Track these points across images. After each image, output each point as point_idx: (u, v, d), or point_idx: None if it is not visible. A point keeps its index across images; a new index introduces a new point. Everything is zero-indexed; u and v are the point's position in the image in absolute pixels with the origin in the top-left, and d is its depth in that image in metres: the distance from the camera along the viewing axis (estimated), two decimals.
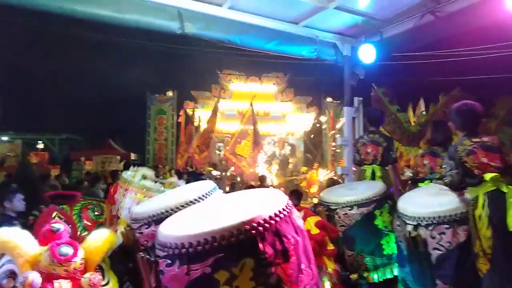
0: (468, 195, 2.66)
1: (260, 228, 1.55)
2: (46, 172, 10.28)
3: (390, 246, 3.40)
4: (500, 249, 2.39)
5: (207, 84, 18.25)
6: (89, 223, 2.74)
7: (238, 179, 11.78)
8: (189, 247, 1.52)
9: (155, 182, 2.89)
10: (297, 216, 1.77)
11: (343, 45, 5.02)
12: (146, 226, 2.49)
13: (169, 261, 1.57)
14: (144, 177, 2.83)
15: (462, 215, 2.58)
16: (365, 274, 3.33)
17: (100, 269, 2.35)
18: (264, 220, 1.57)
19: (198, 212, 1.90)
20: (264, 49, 4.57)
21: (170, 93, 17.94)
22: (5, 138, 18.32)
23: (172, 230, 1.66)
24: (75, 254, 2.10)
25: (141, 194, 2.69)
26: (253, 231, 1.53)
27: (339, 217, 3.39)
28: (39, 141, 17.71)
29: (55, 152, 20.34)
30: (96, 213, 2.73)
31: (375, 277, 3.32)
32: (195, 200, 2.43)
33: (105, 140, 17.94)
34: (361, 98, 5.10)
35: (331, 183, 4.60)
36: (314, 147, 18.07)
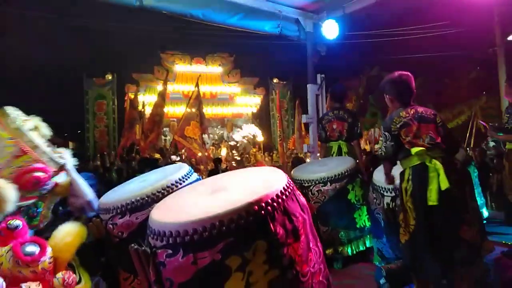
0: (395, 171, 2.71)
1: (269, 208, 1.44)
2: None
3: (362, 219, 3.48)
4: (420, 223, 2.42)
5: (149, 66, 17.41)
6: None
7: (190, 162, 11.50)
8: (194, 234, 1.37)
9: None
10: (298, 193, 1.68)
11: (305, 21, 4.95)
12: (120, 216, 2.27)
13: (170, 251, 1.40)
14: (36, 128, 2.26)
15: None
16: (340, 248, 3.38)
17: (70, 267, 2.11)
18: (272, 199, 1.46)
19: (192, 195, 1.73)
20: (227, 24, 4.35)
21: (109, 77, 16.83)
22: None
23: (169, 217, 1.49)
24: (42, 253, 1.85)
25: (8, 133, 2.10)
26: (262, 212, 1.42)
27: (313, 194, 3.38)
28: None
29: None
30: (31, 215, 2.25)
31: (350, 250, 3.39)
32: (173, 184, 2.25)
33: None
34: (323, 75, 5.11)
35: (296, 161, 4.59)
36: (262, 128, 18.18)
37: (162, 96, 11.41)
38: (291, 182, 1.65)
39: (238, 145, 17.88)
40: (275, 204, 1.46)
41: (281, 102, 17.73)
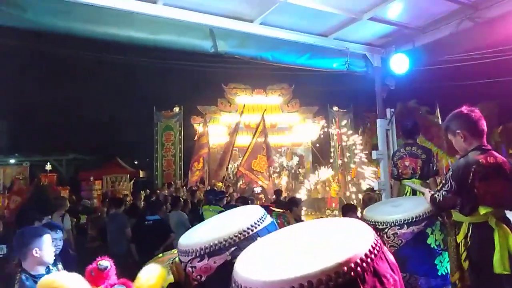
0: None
1: (359, 269, 1.37)
2: (58, 194, 10.13)
3: (444, 266, 3.20)
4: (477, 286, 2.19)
5: (212, 99, 18.24)
6: None
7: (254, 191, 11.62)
8: None
9: None
10: (386, 249, 1.60)
11: (372, 56, 4.90)
12: (199, 259, 2.31)
13: None
14: None
15: None
16: None
17: None
18: (361, 259, 1.40)
19: (275, 249, 1.72)
20: (295, 64, 4.47)
21: (176, 109, 17.87)
22: (12, 161, 18.17)
23: (255, 274, 1.48)
24: None
25: None
26: (352, 273, 1.36)
27: (388, 237, 3.19)
28: (46, 163, 17.55)
29: (63, 173, 20.19)
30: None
31: None
32: (248, 228, 2.26)
33: (113, 159, 17.83)
34: (393, 110, 4.96)
35: (368, 199, 4.43)
36: (322, 156, 17.88)
37: (233, 133, 11.59)
38: (379, 239, 1.58)
39: (299, 172, 17.76)
40: (364, 264, 1.40)
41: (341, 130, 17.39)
